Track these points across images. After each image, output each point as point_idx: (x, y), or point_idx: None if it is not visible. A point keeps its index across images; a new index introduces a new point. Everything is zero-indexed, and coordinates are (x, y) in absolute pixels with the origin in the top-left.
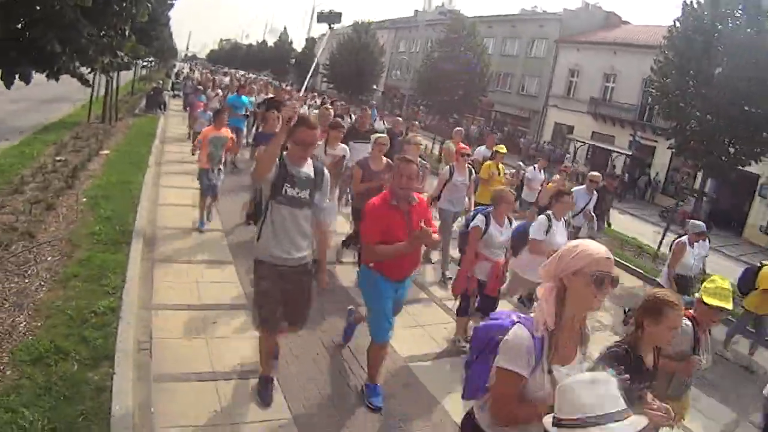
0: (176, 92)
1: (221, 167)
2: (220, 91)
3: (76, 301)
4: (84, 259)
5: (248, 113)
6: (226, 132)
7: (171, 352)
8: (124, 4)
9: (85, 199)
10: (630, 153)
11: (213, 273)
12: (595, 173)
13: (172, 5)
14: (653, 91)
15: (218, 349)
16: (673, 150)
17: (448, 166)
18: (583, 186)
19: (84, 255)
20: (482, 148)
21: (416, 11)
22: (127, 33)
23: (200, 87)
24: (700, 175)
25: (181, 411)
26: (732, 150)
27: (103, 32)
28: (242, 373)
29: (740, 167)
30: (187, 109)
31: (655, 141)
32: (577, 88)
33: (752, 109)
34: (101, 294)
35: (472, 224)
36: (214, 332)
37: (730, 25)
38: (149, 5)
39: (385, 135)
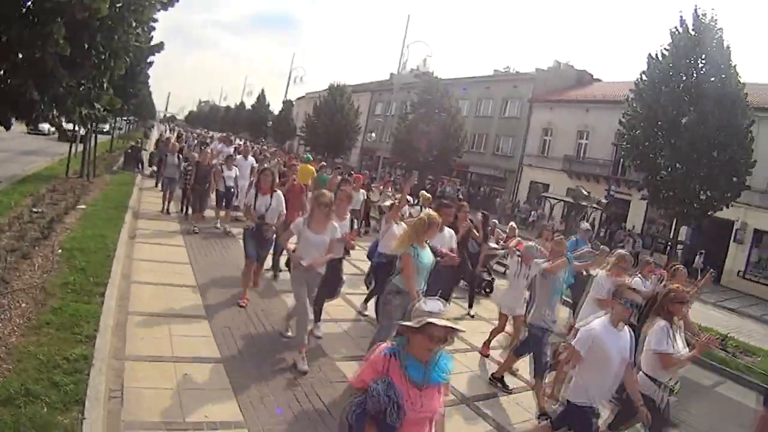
0: (154, 168)
1: None
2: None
3: (48, 347)
4: (57, 308)
5: None
6: None
7: (142, 401)
8: (103, 57)
9: (60, 251)
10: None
11: (186, 328)
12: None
13: (151, 63)
14: (624, 143)
15: (189, 400)
16: (647, 201)
17: None
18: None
19: (58, 303)
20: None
21: (391, 74)
22: (105, 86)
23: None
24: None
25: None
26: (703, 196)
27: (82, 84)
28: (211, 424)
29: (712, 213)
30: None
31: (630, 194)
32: (552, 146)
33: (719, 155)
34: (74, 342)
35: None
36: (185, 384)
37: (695, 75)
38: (127, 59)
39: None
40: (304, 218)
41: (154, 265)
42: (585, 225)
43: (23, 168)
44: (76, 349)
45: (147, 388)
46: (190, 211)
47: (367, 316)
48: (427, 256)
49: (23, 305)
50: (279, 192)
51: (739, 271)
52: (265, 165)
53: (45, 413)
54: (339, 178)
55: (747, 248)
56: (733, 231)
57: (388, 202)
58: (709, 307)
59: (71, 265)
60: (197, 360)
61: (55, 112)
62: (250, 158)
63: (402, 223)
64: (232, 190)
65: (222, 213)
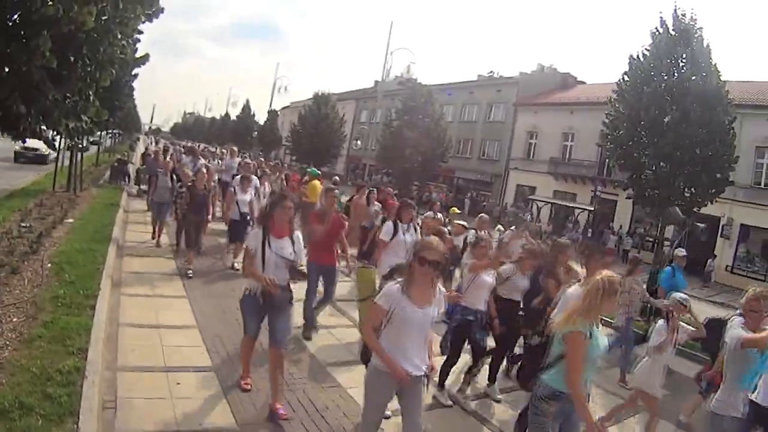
0: (142, 187)
1: None
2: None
3: (41, 360)
4: (49, 321)
5: None
6: None
7: (135, 412)
8: (89, 69)
9: (49, 265)
10: (592, 208)
11: (178, 337)
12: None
13: (135, 76)
14: (608, 144)
15: (182, 409)
16: (633, 200)
17: None
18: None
19: (49, 317)
20: None
21: (376, 82)
22: (91, 98)
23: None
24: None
25: None
26: (688, 194)
27: (68, 96)
28: None
29: (697, 210)
30: None
31: (616, 194)
32: (537, 149)
33: (702, 153)
34: (65, 354)
35: None
36: (178, 393)
37: (676, 74)
38: (113, 71)
39: None
40: (400, 284)
41: (143, 276)
42: (681, 251)
43: (9, 183)
44: (69, 362)
45: (140, 398)
46: (183, 244)
47: (451, 406)
48: (603, 340)
49: (14, 320)
50: (298, 233)
51: (727, 266)
52: (266, 183)
53: (40, 425)
54: (360, 195)
55: (734, 243)
56: (720, 227)
57: (469, 237)
58: (702, 303)
59: (61, 279)
60: (189, 369)
61: (42, 126)
62: (254, 179)
63: (494, 269)
64: (248, 218)
65: (233, 247)
